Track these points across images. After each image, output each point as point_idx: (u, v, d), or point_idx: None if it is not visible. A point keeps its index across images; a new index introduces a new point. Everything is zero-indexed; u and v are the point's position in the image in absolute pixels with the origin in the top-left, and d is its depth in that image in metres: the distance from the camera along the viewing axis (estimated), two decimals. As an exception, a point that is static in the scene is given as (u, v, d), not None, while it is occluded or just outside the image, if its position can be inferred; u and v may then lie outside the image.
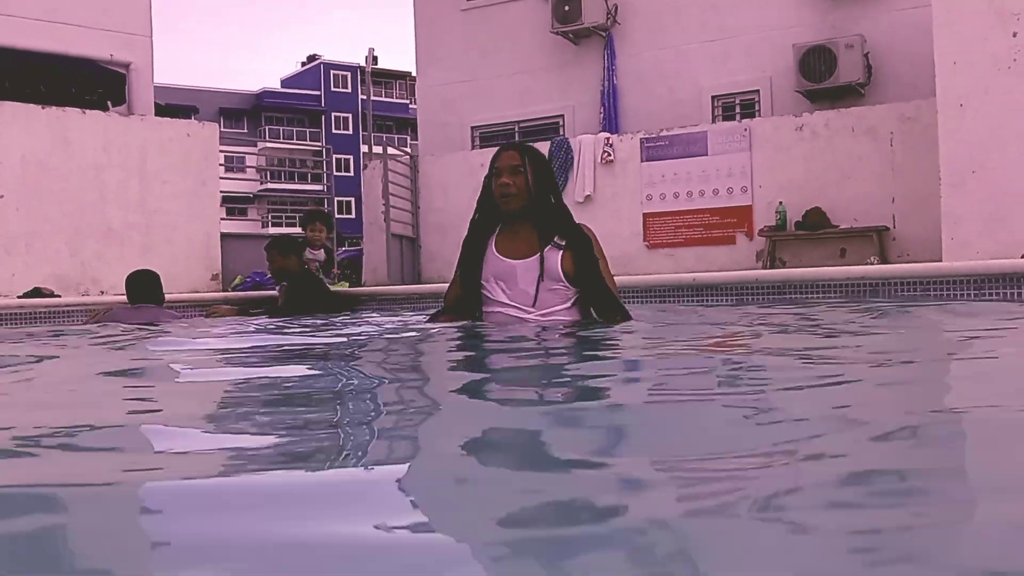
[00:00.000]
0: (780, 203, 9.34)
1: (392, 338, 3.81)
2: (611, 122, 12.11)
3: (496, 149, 3.69)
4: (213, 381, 2.46)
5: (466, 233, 3.66)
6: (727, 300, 6.30)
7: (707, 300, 6.34)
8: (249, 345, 3.70)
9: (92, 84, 11.83)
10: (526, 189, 3.47)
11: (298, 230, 9.86)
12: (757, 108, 11.60)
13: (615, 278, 3.67)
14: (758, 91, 11.64)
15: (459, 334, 3.42)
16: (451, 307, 3.71)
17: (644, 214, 10.13)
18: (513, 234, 3.54)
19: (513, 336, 3.21)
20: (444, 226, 11.23)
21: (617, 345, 3.06)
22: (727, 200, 9.76)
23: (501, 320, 3.48)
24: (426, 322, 3.88)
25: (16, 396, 2.19)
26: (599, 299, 3.52)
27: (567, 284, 3.46)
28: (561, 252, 3.45)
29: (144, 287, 6.21)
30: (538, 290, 3.44)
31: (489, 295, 3.52)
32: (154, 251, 9.22)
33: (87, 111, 9.33)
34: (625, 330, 3.35)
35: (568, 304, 3.49)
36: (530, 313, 3.45)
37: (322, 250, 8.73)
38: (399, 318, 5.38)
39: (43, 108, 8.84)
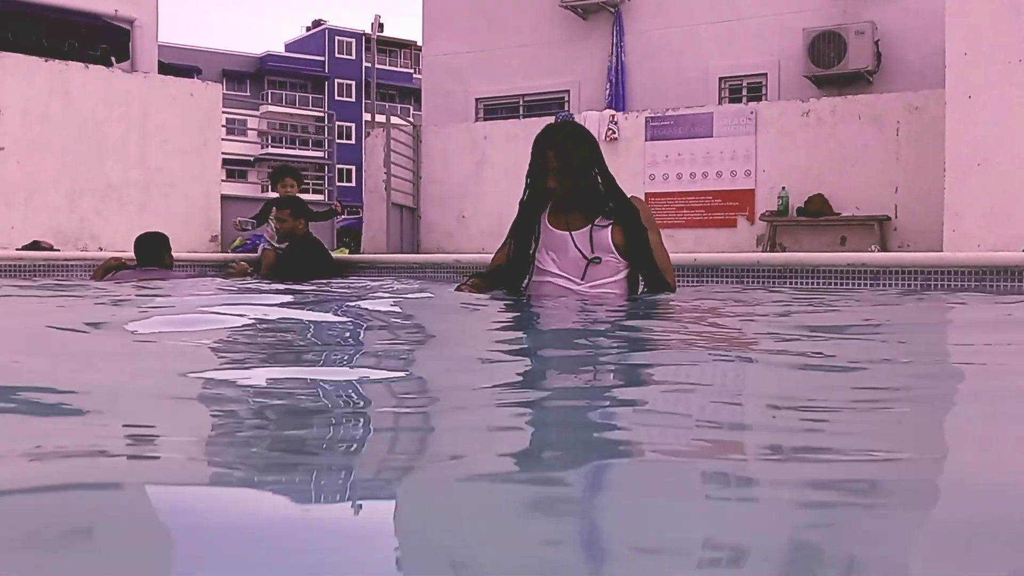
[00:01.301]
0: (783, 188, 9.31)
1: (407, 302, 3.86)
2: (618, 99, 12.05)
3: (544, 127, 3.72)
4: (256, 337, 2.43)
5: (518, 212, 3.73)
6: (727, 281, 6.31)
7: (707, 280, 6.35)
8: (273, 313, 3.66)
9: (95, 39, 11.74)
10: (564, 173, 3.51)
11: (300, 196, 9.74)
12: (764, 91, 11.55)
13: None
14: (766, 74, 11.59)
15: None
16: (489, 273, 3.78)
17: (646, 193, 10.09)
18: (565, 207, 3.60)
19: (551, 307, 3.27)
20: (444, 197, 11.20)
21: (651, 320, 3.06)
22: (730, 183, 9.73)
23: (550, 291, 3.55)
24: (456, 288, 3.89)
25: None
26: (646, 271, 3.58)
27: (617, 256, 3.52)
28: (611, 225, 3.52)
29: (151, 249, 6.19)
30: (588, 262, 3.50)
31: (540, 265, 3.60)
32: (153, 209, 9.19)
33: (90, 66, 9.26)
34: (664, 305, 3.38)
35: (618, 276, 3.55)
36: (579, 285, 3.52)
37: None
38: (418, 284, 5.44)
39: (45, 61, 8.77)
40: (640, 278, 3.62)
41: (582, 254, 3.50)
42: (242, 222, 8.21)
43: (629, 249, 3.52)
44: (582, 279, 3.51)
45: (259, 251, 8.48)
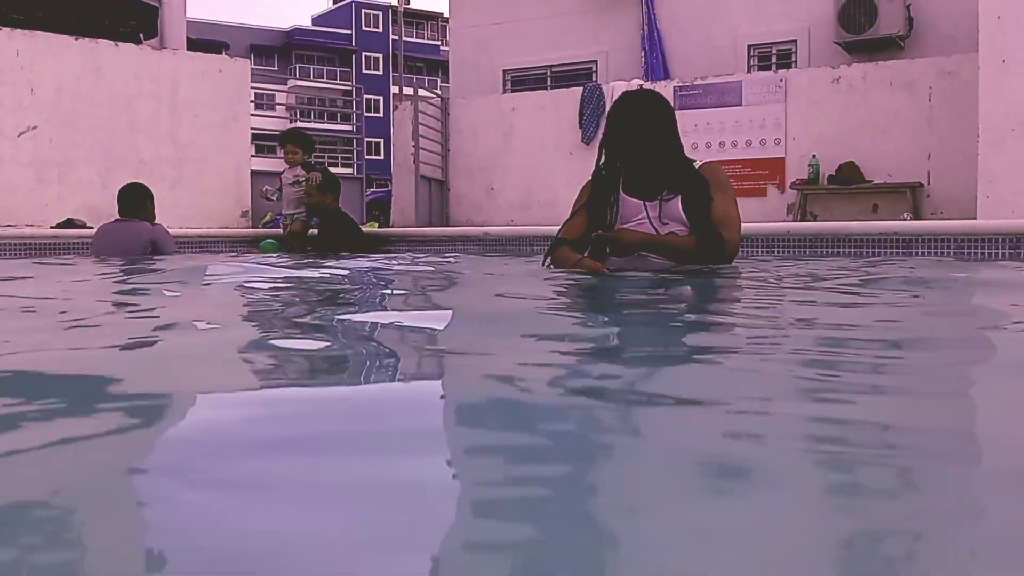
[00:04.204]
0: (813, 156, 9.22)
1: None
2: (656, 68, 11.93)
3: (619, 95, 3.75)
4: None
5: (591, 179, 3.75)
6: (757, 252, 6.27)
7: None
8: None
9: (124, 17, 11.82)
10: (641, 142, 3.54)
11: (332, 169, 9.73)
12: (793, 59, 11.41)
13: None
14: (795, 41, 11.44)
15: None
16: (574, 243, 3.69)
17: (675, 163, 10.05)
18: (638, 176, 3.62)
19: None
20: (473, 170, 11.20)
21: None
22: (760, 152, 9.65)
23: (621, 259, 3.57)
24: (547, 262, 3.79)
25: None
26: (703, 236, 3.52)
27: (687, 225, 3.55)
28: (681, 196, 3.54)
29: (133, 199, 6.21)
30: (657, 232, 3.53)
31: None
32: (184, 184, 9.27)
33: (119, 43, 9.33)
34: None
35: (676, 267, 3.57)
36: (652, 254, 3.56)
37: (299, 168, 7.99)
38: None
39: (76, 39, 8.84)
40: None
41: (653, 226, 3.53)
42: (267, 191, 8.23)
43: (691, 217, 3.53)
44: None
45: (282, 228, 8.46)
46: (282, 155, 8.32)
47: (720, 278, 3.34)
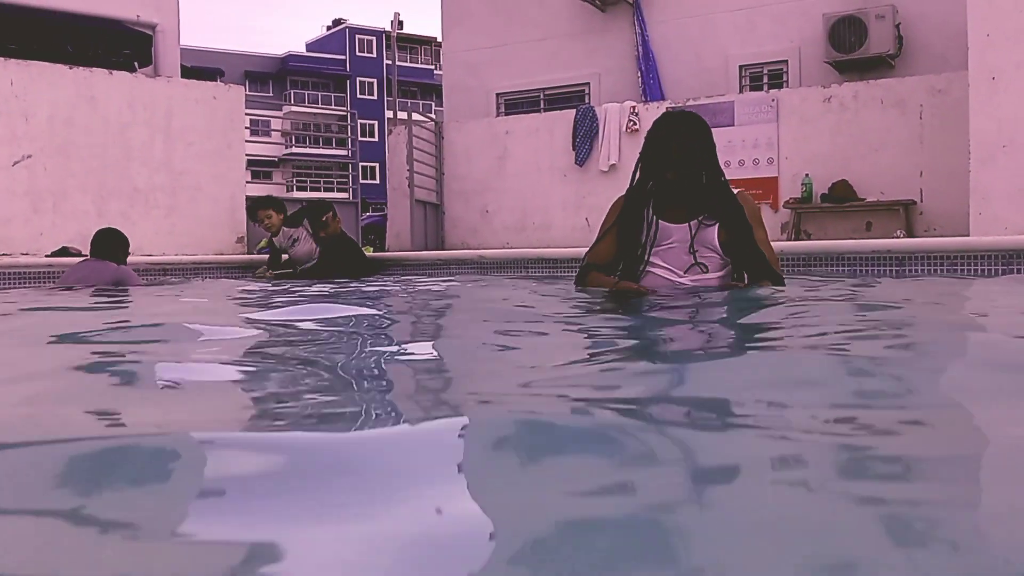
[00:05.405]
0: (806, 175, 9.26)
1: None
2: (654, 89, 11.98)
3: (662, 114, 3.65)
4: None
5: (624, 196, 3.61)
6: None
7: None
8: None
9: (118, 45, 11.86)
10: (685, 165, 3.40)
11: (322, 194, 9.79)
12: (785, 79, 11.47)
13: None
14: (786, 61, 11.51)
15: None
16: (602, 267, 3.62)
17: (668, 184, 10.08)
18: (672, 199, 3.49)
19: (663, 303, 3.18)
20: (467, 193, 11.23)
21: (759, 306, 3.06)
22: (753, 171, 9.69)
23: (651, 282, 3.46)
24: (579, 288, 3.74)
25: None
26: (752, 265, 3.46)
27: (721, 255, 3.46)
28: (717, 224, 3.44)
29: (105, 244, 6.24)
30: (693, 257, 3.42)
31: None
32: (179, 211, 9.29)
33: (113, 72, 9.37)
34: (773, 294, 3.31)
35: (720, 272, 3.48)
36: (680, 277, 3.45)
37: (284, 228, 8.19)
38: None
39: (70, 68, 8.88)
40: (743, 274, 3.53)
41: (688, 251, 3.42)
42: (260, 250, 8.39)
43: (733, 247, 3.44)
44: (684, 272, 3.45)
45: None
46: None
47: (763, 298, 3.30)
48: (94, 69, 9.08)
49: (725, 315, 2.98)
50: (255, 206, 8.39)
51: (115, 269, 6.11)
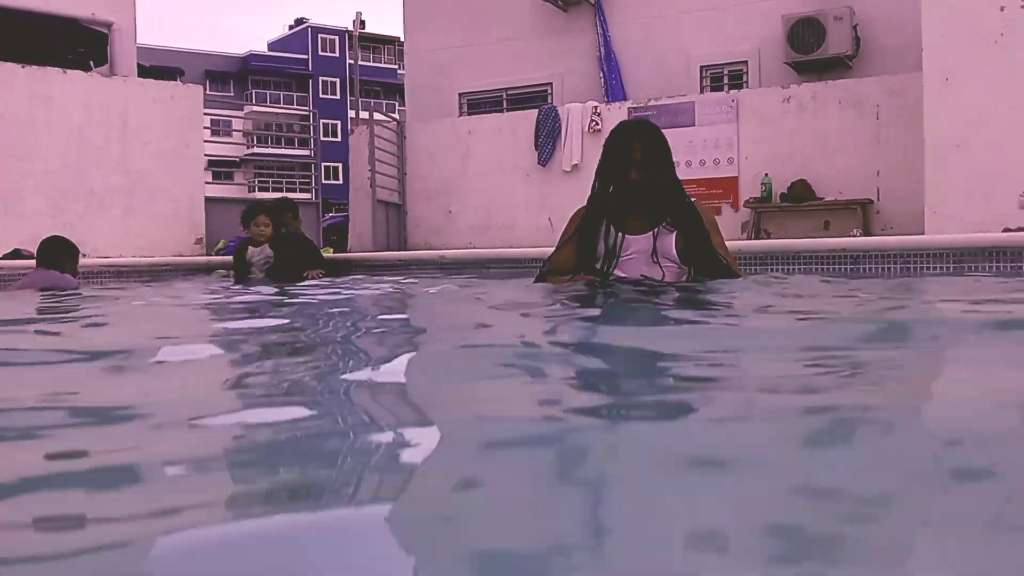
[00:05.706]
0: (766, 175, 9.34)
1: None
2: (616, 89, 12.01)
3: (618, 123, 3.68)
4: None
5: (585, 206, 3.61)
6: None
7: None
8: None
9: (73, 43, 11.68)
10: (648, 166, 3.42)
11: (284, 195, 9.70)
12: (745, 79, 11.56)
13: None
14: (746, 62, 11.59)
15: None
16: (561, 272, 3.63)
17: (630, 184, 10.11)
18: (633, 203, 3.49)
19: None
20: (430, 193, 11.20)
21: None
22: (713, 171, 9.76)
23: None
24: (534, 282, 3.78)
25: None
26: (710, 269, 3.47)
27: (679, 263, 3.45)
28: (674, 232, 3.45)
29: (51, 252, 6.17)
30: (658, 265, 3.42)
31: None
32: (137, 212, 9.18)
33: (68, 71, 9.23)
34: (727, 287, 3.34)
35: (679, 280, 3.48)
36: None
37: (265, 246, 7.39)
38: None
39: (23, 67, 8.74)
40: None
41: (651, 259, 3.42)
42: (219, 251, 8.20)
43: (691, 253, 3.45)
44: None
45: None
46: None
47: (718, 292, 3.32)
48: (47, 68, 8.94)
49: (680, 303, 3.01)
50: (280, 206, 7.82)
51: (59, 277, 6.02)
